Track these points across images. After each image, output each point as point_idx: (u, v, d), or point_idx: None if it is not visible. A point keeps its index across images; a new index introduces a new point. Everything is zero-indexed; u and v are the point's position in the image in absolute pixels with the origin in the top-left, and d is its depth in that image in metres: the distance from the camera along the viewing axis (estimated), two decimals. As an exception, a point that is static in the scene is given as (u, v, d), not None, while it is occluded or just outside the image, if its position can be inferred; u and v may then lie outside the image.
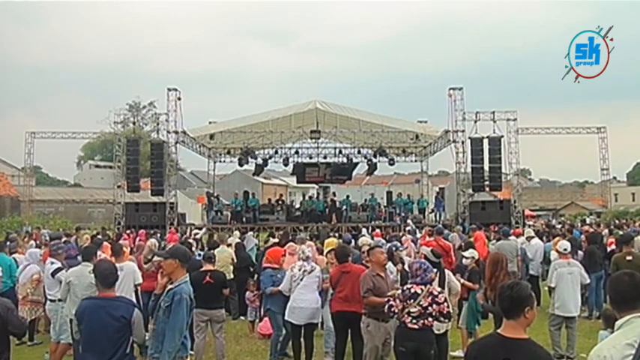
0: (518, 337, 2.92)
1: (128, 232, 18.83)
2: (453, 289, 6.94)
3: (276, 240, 11.83)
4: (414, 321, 5.17)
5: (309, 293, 7.00)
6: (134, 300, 7.19)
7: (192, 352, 6.13)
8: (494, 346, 2.94)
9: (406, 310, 5.21)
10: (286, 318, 7.10)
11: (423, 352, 5.21)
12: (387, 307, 5.38)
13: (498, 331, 3.02)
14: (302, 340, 7.14)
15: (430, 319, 5.21)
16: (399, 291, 5.46)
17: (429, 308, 5.19)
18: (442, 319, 5.35)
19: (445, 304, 5.31)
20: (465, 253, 8.14)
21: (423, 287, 5.27)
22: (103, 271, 4.31)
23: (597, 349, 2.64)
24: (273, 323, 7.64)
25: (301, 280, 7.03)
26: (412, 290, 5.28)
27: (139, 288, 7.74)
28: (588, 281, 7.98)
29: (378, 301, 5.79)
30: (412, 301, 5.21)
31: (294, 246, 8.95)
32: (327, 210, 24.89)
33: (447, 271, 7.10)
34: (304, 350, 7.12)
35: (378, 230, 16.51)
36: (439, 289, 5.44)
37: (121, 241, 11.75)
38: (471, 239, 11.49)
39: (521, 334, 2.94)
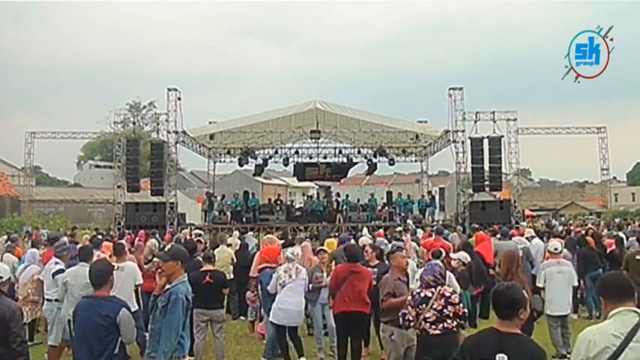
0: (513, 331, 3.05)
1: (127, 232, 18.80)
2: None
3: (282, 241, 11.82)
4: (434, 326, 4.94)
5: (296, 296, 6.96)
6: (134, 300, 7.23)
7: (192, 358, 6.13)
8: (490, 340, 3.06)
9: (421, 317, 4.98)
10: (270, 318, 7.09)
11: (449, 356, 4.90)
12: (400, 316, 5.19)
13: (494, 326, 3.12)
14: (288, 339, 7.15)
15: (449, 320, 4.96)
16: (409, 297, 5.28)
17: (445, 310, 4.96)
18: (458, 320, 5.05)
19: (460, 304, 5.08)
20: (453, 256, 8.12)
21: (433, 290, 5.05)
22: (94, 270, 4.37)
23: (585, 332, 2.91)
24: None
25: (288, 282, 6.98)
26: (422, 294, 5.08)
27: (139, 288, 7.74)
28: (576, 283, 7.98)
29: (399, 301, 5.67)
30: (424, 305, 4.99)
31: (271, 238, 9.04)
32: (328, 210, 24.92)
33: (448, 273, 7.09)
34: (294, 348, 7.12)
35: (380, 230, 16.49)
36: (451, 290, 5.20)
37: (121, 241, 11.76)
38: (470, 239, 11.48)
39: (516, 330, 3.07)
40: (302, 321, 7.42)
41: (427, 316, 4.97)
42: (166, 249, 9.85)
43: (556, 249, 7.83)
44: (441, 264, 5.85)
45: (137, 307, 7.45)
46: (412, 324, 5.11)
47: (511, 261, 6.69)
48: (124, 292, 7.07)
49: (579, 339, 2.89)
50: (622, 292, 2.97)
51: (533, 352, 3.01)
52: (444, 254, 7.88)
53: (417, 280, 6.63)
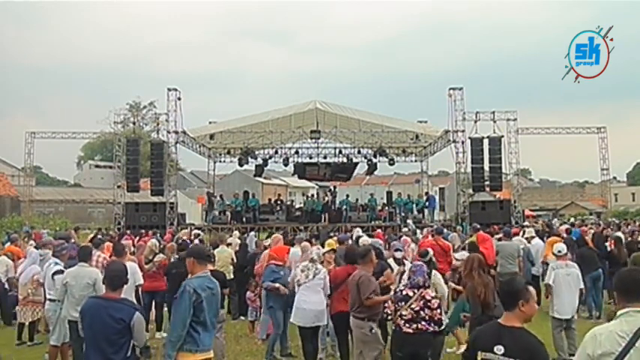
0: (513, 325, 3.16)
1: (129, 232, 18.81)
2: (439, 292, 6.92)
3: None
4: (407, 325, 5.15)
5: (313, 295, 6.87)
6: (134, 299, 7.24)
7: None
8: (491, 332, 3.22)
9: (398, 313, 5.20)
10: (291, 320, 7.07)
11: (420, 355, 5.19)
12: (381, 309, 5.41)
13: (499, 320, 3.25)
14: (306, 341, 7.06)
15: (424, 322, 5.15)
16: (392, 293, 5.46)
17: (421, 312, 5.15)
18: (433, 324, 5.21)
19: (438, 310, 5.24)
20: (457, 255, 8.14)
21: (415, 290, 5.25)
22: (111, 272, 4.38)
23: (594, 330, 2.88)
24: (273, 321, 7.59)
25: (304, 282, 6.92)
26: (404, 292, 5.29)
27: (139, 288, 7.74)
28: (582, 285, 7.92)
29: (382, 299, 5.80)
30: (403, 303, 5.21)
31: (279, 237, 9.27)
32: (328, 210, 24.91)
33: (434, 272, 7.12)
34: (306, 352, 7.04)
35: (379, 231, 16.51)
36: (432, 294, 5.37)
37: (123, 241, 11.79)
38: (472, 239, 11.47)
39: (517, 323, 3.16)
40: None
41: (403, 313, 5.18)
42: (166, 249, 9.93)
43: (560, 251, 7.77)
44: (425, 266, 5.91)
45: None
46: (390, 317, 5.34)
47: (470, 263, 6.71)
48: (125, 292, 7.08)
49: (586, 338, 2.86)
50: (636, 291, 2.89)
51: (529, 343, 3.10)
52: (430, 254, 7.93)
53: (403, 280, 6.72)
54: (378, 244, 10.84)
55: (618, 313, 2.87)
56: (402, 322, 5.17)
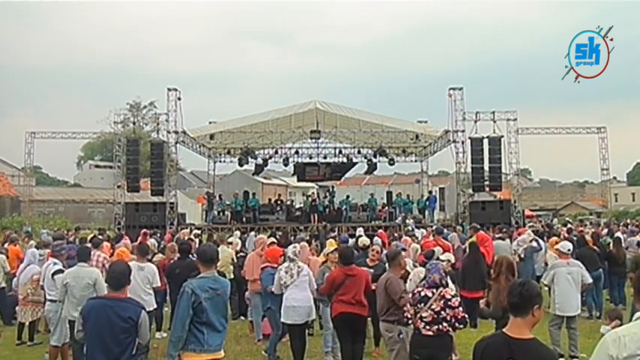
0: (523, 337, 2.95)
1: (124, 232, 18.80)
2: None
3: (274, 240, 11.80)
4: (428, 327, 4.96)
5: (301, 292, 6.94)
6: (153, 300, 7.35)
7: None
8: (500, 346, 2.98)
9: (418, 315, 5.02)
10: (282, 320, 7.09)
11: (438, 359, 5.01)
12: (400, 313, 5.31)
13: (504, 330, 3.04)
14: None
15: (445, 324, 4.96)
16: (409, 295, 5.31)
17: (442, 313, 4.96)
18: (457, 324, 5.01)
19: (460, 308, 5.02)
20: (442, 257, 8.16)
21: (434, 290, 5.05)
22: (114, 272, 4.36)
23: (616, 331, 2.72)
24: (272, 322, 7.61)
25: (290, 282, 6.95)
26: (422, 293, 5.09)
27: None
28: (590, 281, 7.90)
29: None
30: (423, 305, 5.01)
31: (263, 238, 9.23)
32: (329, 210, 24.89)
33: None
34: (295, 350, 7.07)
35: (380, 230, 16.52)
36: (452, 293, 5.17)
37: (126, 241, 11.83)
38: (472, 239, 11.48)
39: (527, 333, 2.97)
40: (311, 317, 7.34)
41: (424, 315, 4.99)
42: (166, 249, 9.93)
43: (569, 249, 7.80)
44: (443, 264, 5.85)
45: (155, 306, 7.52)
46: (410, 321, 5.17)
47: (499, 267, 6.70)
48: (144, 291, 7.18)
49: (606, 339, 2.70)
50: None
51: (544, 356, 2.96)
52: (437, 253, 7.93)
53: (410, 280, 6.72)
54: (379, 243, 10.86)
55: (637, 315, 2.77)
56: (422, 324, 4.97)
